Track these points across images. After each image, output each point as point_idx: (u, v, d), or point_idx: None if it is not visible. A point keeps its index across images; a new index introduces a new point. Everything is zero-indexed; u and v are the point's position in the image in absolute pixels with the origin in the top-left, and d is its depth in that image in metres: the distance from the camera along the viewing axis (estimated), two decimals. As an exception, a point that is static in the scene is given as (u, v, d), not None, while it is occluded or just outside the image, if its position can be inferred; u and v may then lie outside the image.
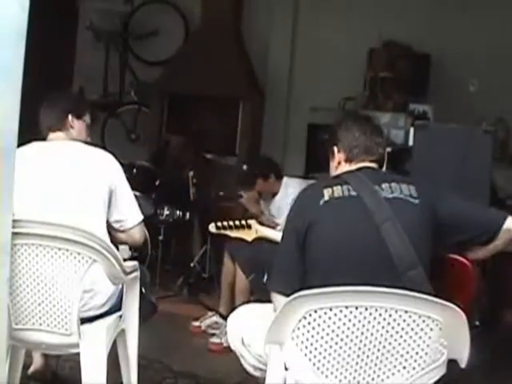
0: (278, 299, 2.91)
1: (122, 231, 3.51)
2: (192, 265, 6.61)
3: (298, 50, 8.27)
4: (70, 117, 3.60)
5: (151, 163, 6.91)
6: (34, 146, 3.48)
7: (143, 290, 3.61)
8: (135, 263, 3.40)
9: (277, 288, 2.95)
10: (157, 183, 6.59)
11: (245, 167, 5.69)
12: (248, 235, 4.09)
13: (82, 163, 3.41)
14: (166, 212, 6.40)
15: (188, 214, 6.60)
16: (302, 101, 8.05)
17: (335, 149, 3.15)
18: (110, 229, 3.48)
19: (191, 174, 6.54)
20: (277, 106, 8.26)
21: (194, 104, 8.08)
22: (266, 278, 4.49)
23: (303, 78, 8.14)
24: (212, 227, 4.05)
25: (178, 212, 6.52)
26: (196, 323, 5.52)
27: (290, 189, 5.55)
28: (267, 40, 8.32)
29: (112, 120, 8.39)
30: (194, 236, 6.93)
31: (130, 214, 3.51)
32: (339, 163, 3.14)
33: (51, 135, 3.56)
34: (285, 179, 5.61)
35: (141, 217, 3.56)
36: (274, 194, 5.62)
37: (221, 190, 6.99)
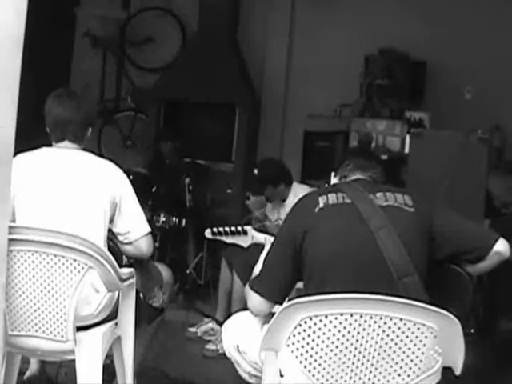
0: (254, 298, 2.99)
1: (128, 243, 3.53)
2: (188, 271, 6.62)
3: (295, 56, 8.29)
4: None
5: (147, 170, 6.92)
6: (43, 151, 3.49)
7: (141, 296, 3.62)
8: (131, 270, 3.40)
9: (257, 288, 3.00)
10: (153, 190, 6.59)
11: (256, 171, 5.64)
12: (244, 241, 4.10)
13: (87, 173, 3.42)
14: (162, 219, 6.41)
15: (184, 221, 6.60)
16: (298, 107, 8.06)
17: (332, 174, 3.28)
18: (119, 242, 3.53)
19: (187, 180, 6.54)
20: (273, 113, 8.27)
21: (190, 110, 8.09)
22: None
23: (300, 84, 8.14)
24: (208, 233, 4.06)
25: (174, 219, 6.53)
26: (192, 330, 5.52)
27: (299, 195, 5.47)
28: (264, 46, 8.33)
29: (108, 126, 8.39)
30: (189, 243, 6.93)
31: (134, 226, 3.53)
32: None
33: (64, 142, 3.55)
34: (294, 185, 5.57)
35: (147, 229, 3.56)
36: (284, 199, 5.58)
37: (216, 196, 7.02)
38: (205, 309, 5.93)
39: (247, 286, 3.06)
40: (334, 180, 3.27)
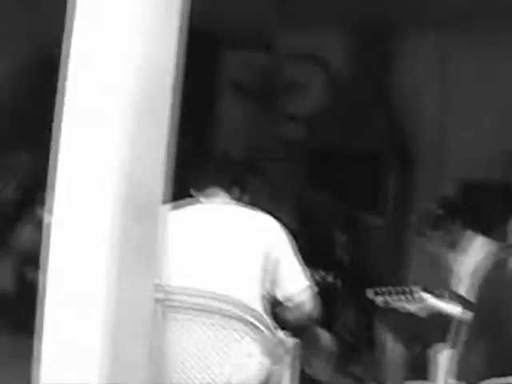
0: None
1: (289, 305, 3.16)
2: (338, 332, 6.20)
3: (450, 99, 7.73)
4: None
5: (295, 221, 6.59)
6: (192, 207, 3.21)
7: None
8: (293, 339, 3.02)
9: None
10: (298, 241, 6.24)
11: (439, 211, 5.03)
12: (414, 305, 3.62)
13: (238, 227, 3.13)
14: (316, 277, 6.04)
15: (332, 276, 6.22)
16: (453, 155, 7.54)
17: None
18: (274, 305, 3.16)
19: (338, 232, 6.18)
20: (426, 161, 7.78)
21: (337, 160, 7.79)
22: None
23: (455, 129, 7.60)
24: (371, 293, 3.63)
25: (321, 272, 6.14)
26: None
27: (483, 249, 4.78)
28: (415, 92, 7.89)
29: (253, 177, 8.16)
30: (338, 298, 6.53)
31: (295, 284, 3.19)
32: None
33: (211, 196, 3.28)
34: (479, 239, 4.89)
35: (307, 284, 3.22)
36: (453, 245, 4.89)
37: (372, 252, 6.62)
38: (360, 372, 5.60)
39: None
40: None
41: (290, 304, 3.17)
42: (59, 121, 2.27)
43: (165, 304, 2.64)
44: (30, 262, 6.69)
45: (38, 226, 6.24)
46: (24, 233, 6.59)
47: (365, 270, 6.61)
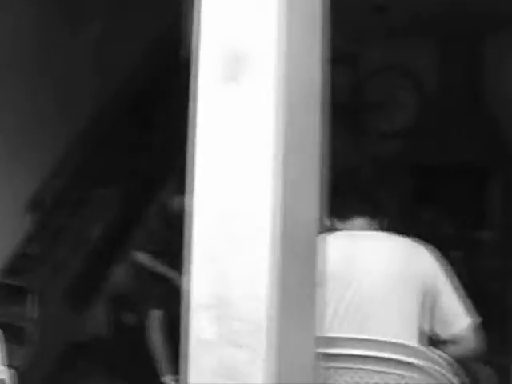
0: None
1: (452, 342, 2.87)
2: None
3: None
4: None
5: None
6: (340, 236, 2.83)
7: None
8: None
9: None
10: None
11: None
12: None
13: (390, 258, 2.75)
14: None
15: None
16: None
17: None
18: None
19: (456, 253, 5.74)
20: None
21: (438, 175, 7.41)
22: None
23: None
24: None
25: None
26: None
27: None
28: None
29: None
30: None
31: (458, 322, 2.89)
32: None
33: (355, 221, 2.93)
34: None
35: (471, 320, 2.89)
36: None
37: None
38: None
39: None
40: None
41: (453, 341, 2.78)
42: (192, 160, 1.97)
43: (326, 358, 2.26)
44: (125, 305, 6.40)
45: (132, 267, 5.94)
46: (118, 275, 6.31)
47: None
